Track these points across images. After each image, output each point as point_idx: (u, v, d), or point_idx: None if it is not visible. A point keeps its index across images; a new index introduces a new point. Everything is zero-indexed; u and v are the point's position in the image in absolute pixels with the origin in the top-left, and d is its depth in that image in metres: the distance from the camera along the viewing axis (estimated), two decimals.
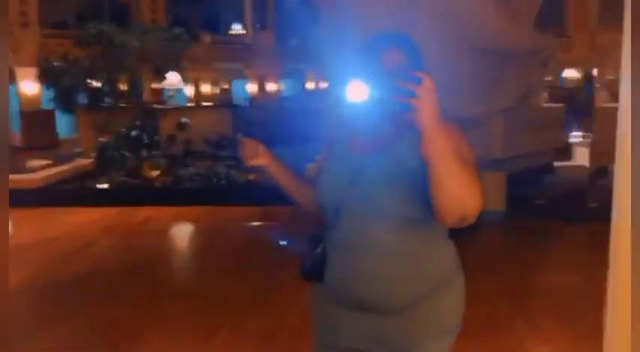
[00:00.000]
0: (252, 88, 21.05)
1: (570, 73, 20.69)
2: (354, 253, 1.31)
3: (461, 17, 5.17)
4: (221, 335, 3.10)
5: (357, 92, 1.21)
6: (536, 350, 2.93)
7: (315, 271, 1.38)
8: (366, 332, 1.33)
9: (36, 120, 13.21)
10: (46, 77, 7.80)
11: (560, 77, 20.11)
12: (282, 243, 1.46)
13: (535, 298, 3.61)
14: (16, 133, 13.48)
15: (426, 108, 1.04)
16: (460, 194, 1.11)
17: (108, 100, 8.38)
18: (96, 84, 7.78)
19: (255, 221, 5.77)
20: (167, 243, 5.44)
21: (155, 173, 7.71)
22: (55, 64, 7.74)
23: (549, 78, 15.60)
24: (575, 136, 11.33)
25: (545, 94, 11.14)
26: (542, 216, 5.24)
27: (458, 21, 5.13)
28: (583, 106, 16.71)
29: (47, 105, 10.31)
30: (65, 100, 7.81)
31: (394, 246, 1.29)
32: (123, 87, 8.78)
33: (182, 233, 5.96)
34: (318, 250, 1.38)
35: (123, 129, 8.40)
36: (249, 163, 1.48)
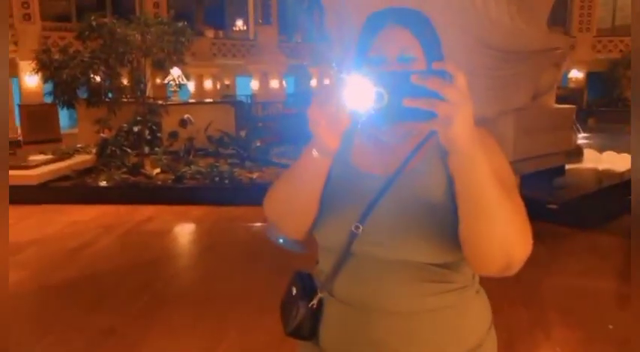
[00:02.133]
0: (255, 84, 20.88)
1: (574, 74, 20.52)
2: (362, 312, 0.98)
3: (474, 15, 5.01)
4: (227, 342, 2.96)
5: (358, 94, 0.76)
6: None
7: (307, 328, 1.04)
8: None
9: (38, 114, 13.09)
10: (43, 70, 7.63)
11: (564, 77, 19.95)
12: (280, 240, 1.05)
13: (551, 305, 3.49)
14: (17, 127, 13.39)
15: (459, 119, 0.71)
16: (505, 237, 0.81)
17: (109, 95, 8.21)
18: (97, 78, 7.60)
19: (259, 222, 5.63)
20: (168, 243, 5.29)
21: (156, 170, 7.56)
22: (54, 56, 7.55)
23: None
24: (583, 138, 11.16)
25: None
26: (555, 220, 5.07)
27: (471, 19, 4.97)
28: (587, 108, 16.52)
29: (48, 99, 10.15)
30: (64, 94, 7.64)
31: (417, 304, 0.96)
32: (125, 82, 8.61)
33: (184, 233, 5.82)
34: (314, 302, 1.03)
35: (124, 125, 8.24)
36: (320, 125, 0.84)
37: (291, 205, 1.00)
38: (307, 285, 1.06)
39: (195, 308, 3.49)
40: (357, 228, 0.96)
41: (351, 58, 1.03)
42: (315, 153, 0.90)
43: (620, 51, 19.66)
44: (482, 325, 1.04)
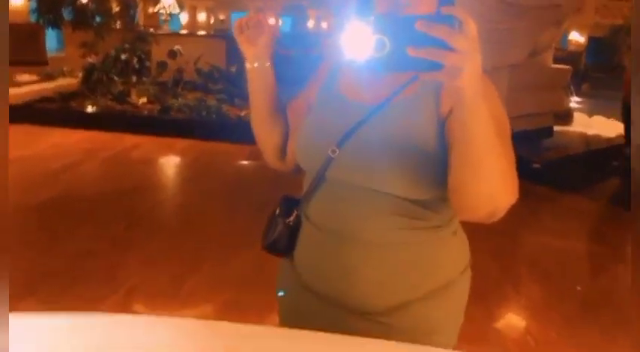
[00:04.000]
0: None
1: (575, 36, 20.18)
2: (335, 238, 0.99)
3: None
4: (200, 273, 3.01)
5: (357, 40, 0.76)
6: (521, 315, 2.91)
7: (283, 244, 1.08)
8: (337, 331, 1.01)
9: (23, 33, 12.61)
10: None
11: (564, 38, 19.63)
12: None
13: (524, 261, 3.59)
14: None
15: (468, 70, 0.66)
16: (496, 186, 0.81)
17: (97, 19, 7.90)
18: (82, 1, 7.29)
19: (244, 160, 5.61)
20: (151, 172, 5.28)
21: (142, 100, 7.42)
22: None
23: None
24: (576, 102, 11.13)
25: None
26: (537, 180, 5.13)
27: None
28: (584, 72, 16.39)
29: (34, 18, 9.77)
30: (49, 12, 7.33)
31: (390, 236, 0.96)
32: (115, 7, 8.28)
33: (167, 164, 5.80)
34: (291, 219, 1.07)
35: (112, 52, 7.99)
36: (243, 33, 1.06)
37: (255, 126, 1.14)
38: (290, 205, 1.09)
39: (173, 237, 3.52)
40: (333, 151, 0.96)
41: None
42: (247, 64, 1.08)
43: (624, 17, 19.30)
44: (454, 265, 1.05)
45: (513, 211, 0.89)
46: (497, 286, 3.11)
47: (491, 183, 0.81)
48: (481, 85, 0.71)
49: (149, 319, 1.02)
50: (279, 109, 1.13)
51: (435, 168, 0.89)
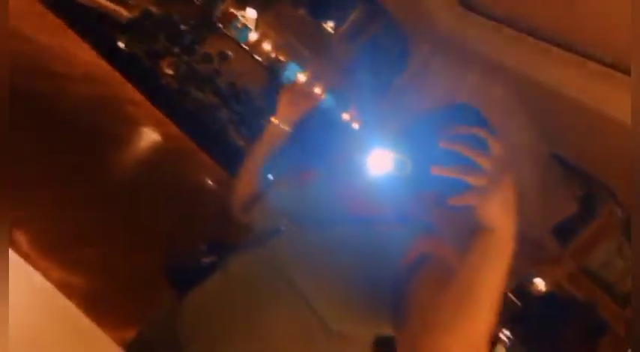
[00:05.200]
0: (301, 77, 20.87)
1: (539, 282, 21.04)
2: (237, 306, 0.92)
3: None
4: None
5: (376, 160, 0.75)
6: None
7: (184, 278, 1.01)
8: None
9: None
10: None
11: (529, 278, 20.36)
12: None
13: None
14: None
15: (498, 193, 0.60)
16: (478, 336, 0.68)
17: None
18: None
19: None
20: (133, 134, 5.10)
21: (170, 71, 7.34)
22: None
23: None
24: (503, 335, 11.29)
25: None
26: None
27: None
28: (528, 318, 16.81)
29: None
30: None
31: (294, 345, 0.89)
32: None
33: (150, 136, 5.63)
34: (206, 261, 1.02)
35: (178, 15, 8.06)
36: (290, 94, 1.13)
37: (244, 172, 1.17)
38: (215, 248, 1.05)
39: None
40: (285, 225, 0.95)
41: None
42: (274, 119, 1.14)
43: (585, 293, 20.18)
44: None
45: None
46: None
47: (475, 329, 0.68)
48: (513, 225, 0.62)
49: None
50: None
51: (369, 305, 0.82)
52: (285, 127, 1.14)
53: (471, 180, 0.60)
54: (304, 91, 1.15)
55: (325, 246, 0.88)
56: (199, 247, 1.05)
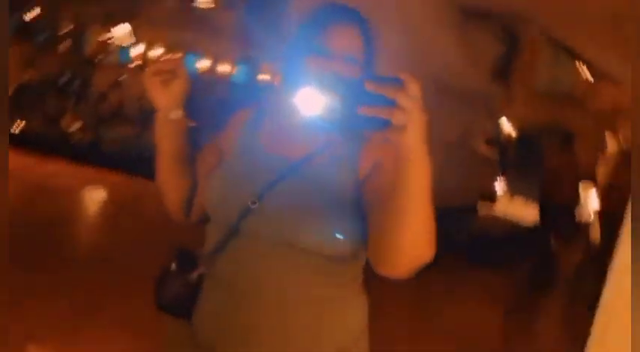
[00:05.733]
0: (203, 63, 20.38)
1: (507, 127, 21.72)
2: (243, 296, 0.96)
3: (425, 51, 5.16)
4: (101, 315, 2.82)
5: (308, 101, 0.81)
6: None
7: (183, 306, 1.02)
8: None
9: None
10: None
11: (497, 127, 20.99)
12: None
13: (439, 332, 3.62)
14: None
15: (414, 127, 0.70)
16: (423, 241, 0.81)
17: (42, 36, 7.66)
18: (35, 12, 7.05)
19: None
20: (67, 204, 4.99)
21: (75, 126, 7.13)
22: None
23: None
24: (500, 182, 11.75)
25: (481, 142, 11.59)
26: (459, 255, 5.28)
27: (422, 55, 5.12)
28: (513, 161, 17.49)
29: None
30: None
31: (296, 293, 0.95)
32: (64, 27, 8.07)
33: (88, 196, 5.51)
34: (192, 277, 1.01)
35: (53, 72, 7.72)
36: (153, 79, 0.99)
37: (161, 178, 1.07)
38: (188, 261, 1.03)
39: (79, 274, 3.30)
40: (253, 203, 0.94)
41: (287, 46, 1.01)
42: (159, 113, 1.02)
43: (550, 116, 20.98)
44: (358, 325, 1.04)
45: (433, 283, 0.90)
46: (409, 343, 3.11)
47: (419, 241, 0.81)
48: (426, 141, 0.73)
49: None
50: (188, 161, 1.07)
51: (349, 224, 0.91)
52: (174, 114, 1.02)
53: (392, 117, 0.68)
54: (161, 66, 1.01)
55: (293, 199, 0.94)
56: (170, 266, 1.03)
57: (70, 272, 3.29)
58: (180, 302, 1.02)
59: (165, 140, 1.04)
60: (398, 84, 0.69)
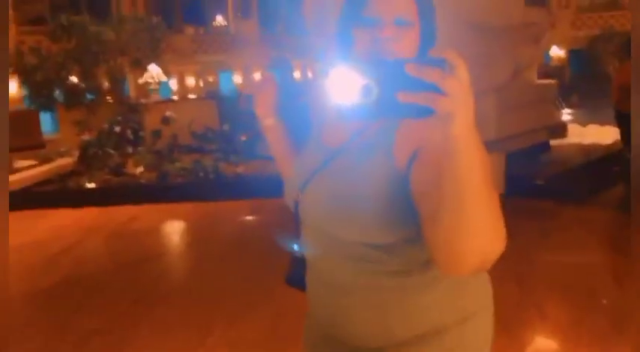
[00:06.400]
0: (237, 78, 20.70)
1: (556, 51, 20.55)
2: (319, 278, 1.04)
3: None
4: (212, 338, 2.92)
5: (343, 87, 0.67)
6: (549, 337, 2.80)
7: (297, 279, 1.11)
8: None
9: (19, 120, 12.88)
10: (19, 74, 7.48)
11: (545, 55, 19.95)
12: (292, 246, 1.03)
13: (543, 281, 3.48)
14: None
15: (461, 116, 0.62)
16: (488, 236, 0.71)
17: (88, 96, 8.08)
18: (73, 79, 7.47)
19: (247, 215, 5.56)
20: (153, 242, 5.22)
21: (139, 169, 7.46)
22: (27, 59, 7.42)
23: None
24: (567, 113, 11.17)
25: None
26: (542, 197, 5.07)
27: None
28: (570, 84, 16.59)
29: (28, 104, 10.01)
30: (41, 97, 7.51)
31: (350, 280, 0.96)
32: (104, 82, 8.49)
33: (169, 231, 5.75)
34: (299, 255, 1.10)
35: (105, 126, 8.13)
36: (251, 99, 1.11)
37: (282, 173, 1.19)
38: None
39: (181, 305, 3.44)
40: (297, 196, 1.01)
41: (332, 43, 0.99)
42: (261, 123, 1.14)
43: (600, 27, 19.73)
44: (440, 314, 0.97)
45: (522, 231, 0.84)
46: (520, 310, 3.00)
47: (483, 236, 0.71)
48: (474, 131, 0.64)
49: None
50: (295, 157, 1.17)
51: (386, 215, 0.86)
52: (271, 121, 1.14)
53: (436, 104, 0.61)
54: (255, 79, 1.17)
55: (322, 189, 0.96)
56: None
57: (169, 308, 3.43)
58: (296, 275, 1.11)
59: (275, 145, 1.18)
60: (442, 65, 0.61)
